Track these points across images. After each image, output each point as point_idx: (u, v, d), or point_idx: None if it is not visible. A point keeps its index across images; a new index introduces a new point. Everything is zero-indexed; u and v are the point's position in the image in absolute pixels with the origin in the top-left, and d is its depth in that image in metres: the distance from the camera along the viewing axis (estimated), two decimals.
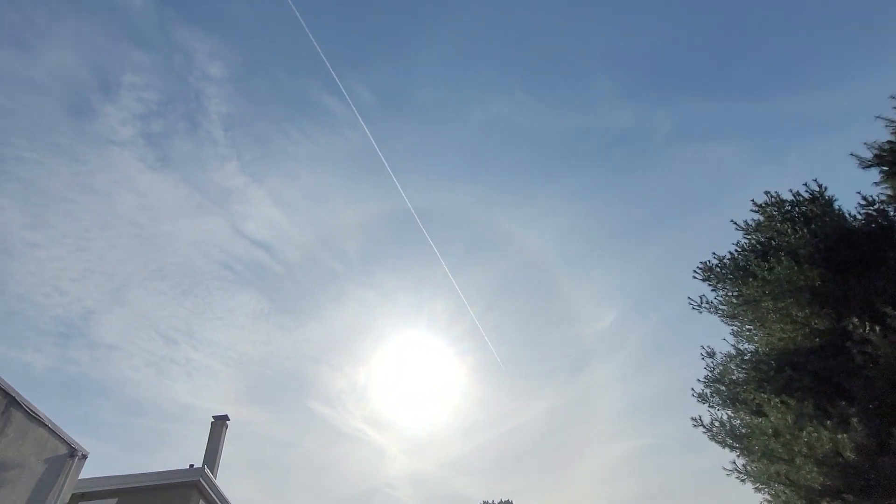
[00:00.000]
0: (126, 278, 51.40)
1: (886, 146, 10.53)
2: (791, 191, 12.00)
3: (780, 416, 10.89)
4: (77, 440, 13.12)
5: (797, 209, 11.72)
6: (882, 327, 8.67)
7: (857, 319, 8.78)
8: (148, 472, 17.75)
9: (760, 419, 12.02)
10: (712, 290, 12.93)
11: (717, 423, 12.80)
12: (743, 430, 12.65)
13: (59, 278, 45.55)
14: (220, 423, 22.11)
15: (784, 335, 11.59)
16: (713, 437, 12.64)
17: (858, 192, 11.08)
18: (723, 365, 13.22)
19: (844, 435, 9.44)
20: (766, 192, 12.30)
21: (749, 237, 12.36)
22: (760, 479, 11.97)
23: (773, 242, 11.90)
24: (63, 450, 12.64)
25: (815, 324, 11.13)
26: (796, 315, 11.17)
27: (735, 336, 13.35)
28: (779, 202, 12.12)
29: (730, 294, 12.62)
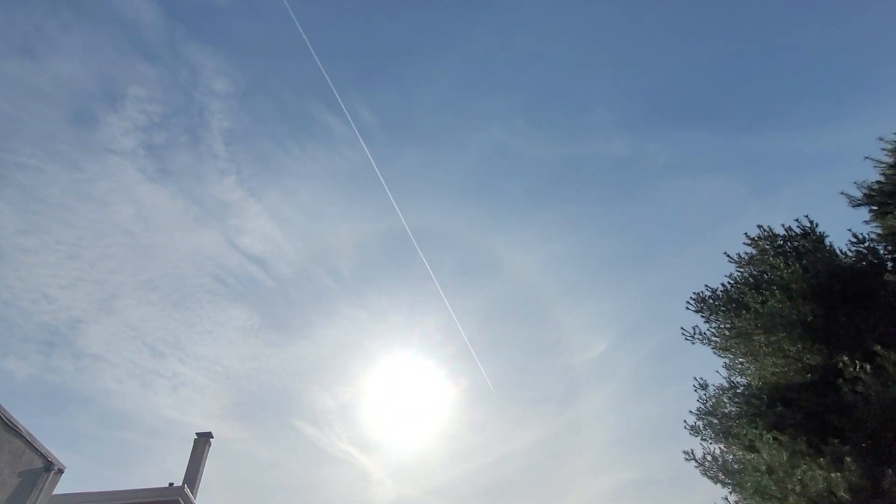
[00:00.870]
0: (116, 288, 50.94)
1: (875, 186, 10.76)
2: (783, 226, 12.18)
3: (773, 452, 10.75)
4: (55, 453, 12.75)
5: (789, 244, 11.86)
6: (873, 366, 8.67)
7: (847, 358, 8.77)
8: (125, 489, 17.20)
9: (753, 455, 11.86)
10: (705, 322, 12.95)
11: (709, 458, 12.60)
12: (735, 466, 12.45)
13: (49, 285, 45.09)
14: (203, 440, 21.55)
15: (776, 369, 11.56)
16: (705, 472, 12.43)
17: (849, 230, 11.27)
18: (715, 398, 13.11)
19: (838, 474, 9.31)
20: (759, 226, 12.48)
21: (742, 270, 12.46)
22: None
23: (765, 276, 11.99)
24: (39, 463, 12.27)
25: (807, 359, 11.12)
26: (788, 349, 11.16)
27: (728, 369, 13.30)
28: (771, 236, 12.28)
29: (722, 326, 12.63)
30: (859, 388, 8.80)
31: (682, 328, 13.42)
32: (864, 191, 10.96)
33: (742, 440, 12.19)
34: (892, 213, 10.10)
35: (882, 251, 10.79)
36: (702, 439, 13.06)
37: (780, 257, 11.69)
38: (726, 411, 12.83)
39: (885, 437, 9.00)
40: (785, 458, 9.83)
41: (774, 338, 11.12)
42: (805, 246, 11.35)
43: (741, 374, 13.04)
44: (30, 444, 11.91)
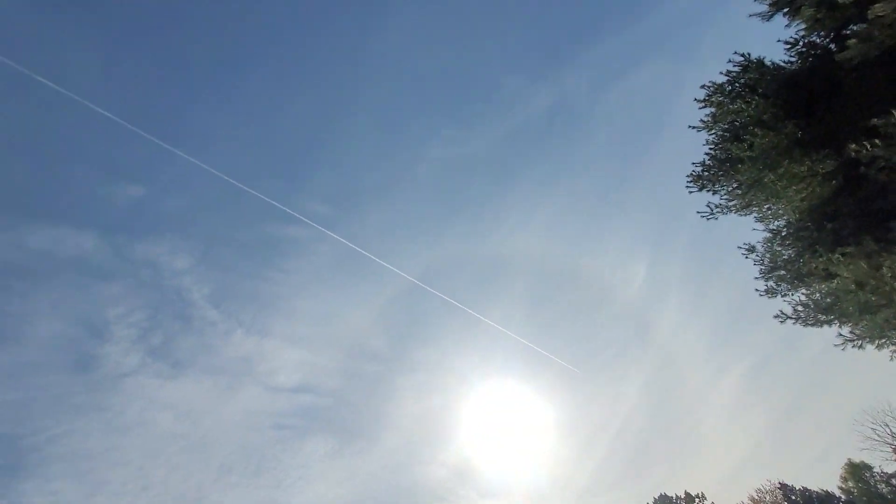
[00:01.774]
0: (198, 491, 50.27)
1: None
2: (722, 73, 12.22)
3: (851, 267, 10.45)
4: None
5: (738, 84, 11.87)
6: (880, 138, 8.55)
7: (853, 145, 8.65)
8: None
9: (835, 280, 11.51)
10: (713, 194, 12.79)
11: (800, 308, 12.23)
12: (828, 300, 12.07)
13: None
14: None
15: (802, 195, 11.36)
16: (805, 323, 12.04)
17: (779, 41, 11.30)
18: (768, 252, 12.83)
19: None
20: (704, 86, 12.51)
21: (713, 132, 12.41)
22: (874, 336, 11.26)
23: (736, 124, 11.95)
24: None
25: (822, 168, 10.95)
26: (800, 171, 11.01)
27: (760, 221, 13.05)
28: (719, 88, 12.29)
29: (730, 188, 12.48)
30: (882, 164, 8.64)
31: (697, 211, 13.27)
32: (769, 1, 11.07)
33: (817, 273, 11.87)
34: (803, 4, 10.18)
35: (818, 40, 10.81)
36: (781, 296, 12.71)
37: (738, 100, 11.68)
38: (785, 258, 12.55)
39: None
40: (865, 267, 9.54)
41: (781, 169, 10.98)
42: (752, 77, 11.37)
43: (775, 218, 12.80)
44: None
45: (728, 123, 12.16)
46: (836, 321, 11.73)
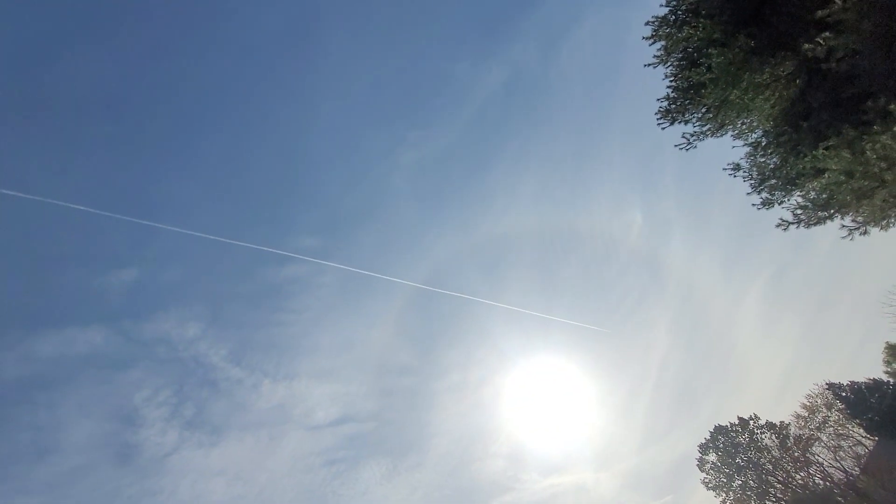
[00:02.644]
0: None
1: None
2: (662, 4, 12.20)
3: (836, 159, 10.46)
4: None
5: (680, 12, 11.86)
6: (830, 29, 8.55)
7: (807, 45, 8.65)
8: None
9: (825, 174, 11.53)
10: (685, 124, 12.81)
11: (798, 211, 12.25)
12: (823, 196, 12.08)
13: None
14: None
15: (771, 101, 11.37)
16: (807, 224, 12.05)
17: None
18: (754, 166, 12.85)
19: None
20: (648, 22, 12.51)
21: (668, 64, 12.43)
22: (876, 218, 11.29)
23: (689, 50, 11.95)
24: None
25: (783, 71, 10.96)
26: (762, 79, 11.02)
27: (738, 138, 13.07)
28: (663, 20, 12.28)
29: (699, 115, 12.50)
30: (840, 54, 8.64)
31: (675, 145, 13.29)
32: None
33: (806, 173, 11.89)
34: None
35: None
36: (778, 204, 12.74)
37: (685, 27, 11.68)
38: (772, 167, 12.57)
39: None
40: (850, 156, 9.57)
41: (743, 83, 10.99)
42: (692, 1, 11.37)
43: (751, 131, 12.81)
44: None
45: (681, 52, 12.17)
46: (836, 214, 11.76)
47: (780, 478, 32.84)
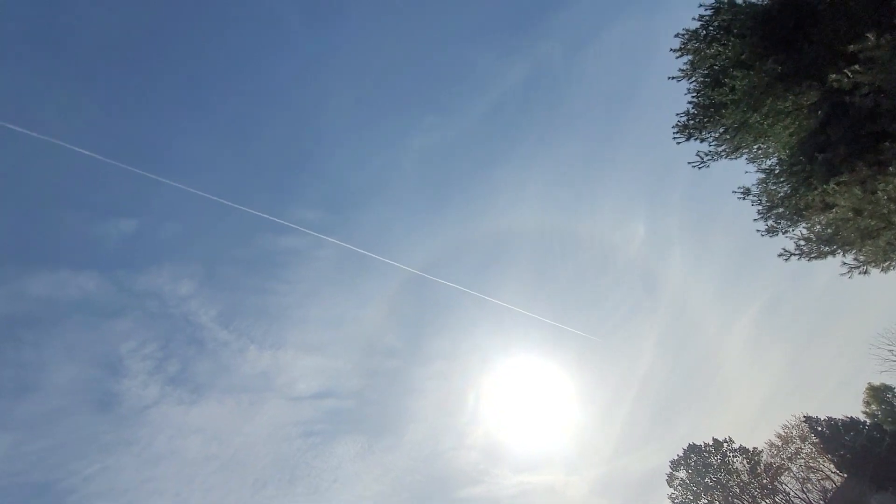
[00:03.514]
0: None
1: None
2: (695, 18, 12.03)
3: (846, 195, 10.44)
4: None
5: (712, 28, 11.71)
6: (860, 63, 8.46)
7: (834, 75, 8.57)
8: None
9: (833, 209, 11.50)
10: (700, 142, 12.73)
11: (802, 243, 12.24)
12: (828, 231, 12.07)
13: None
14: None
15: (790, 130, 11.30)
16: (809, 256, 12.07)
17: None
18: (764, 192, 12.81)
19: None
20: (678, 35, 12.34)
21: (693, 80, 12.30)
22: (878, 259, 11.31)
23: (715, 68, 11.83)
24: None
25: (806, 100, 10.87)
26: (784, 106, 10.93)
27: (752, 162, 13.02)
28: (694, 34, 12.13)
29: (717, 134, 12.42)
30: (866, 90, 8.57)
31: (688, 162, 13.22)
32: None
33: (815, 206, 11.85)
34: None
35: None
36: (783, 233, 12.73)
37: (714, 43, 11.54)
38: (781, 195, 12.53)
39: None
40: (861, 193, 9.54)
41: (765, 108, 10.90)
42: (725, 19, 11.22)
43: (766, 157, 12.76)
44: None
45: (707, 69, 12.04)
46: (839, 250, 11.76)
47: (745, 502, 33.34)
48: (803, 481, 33.06)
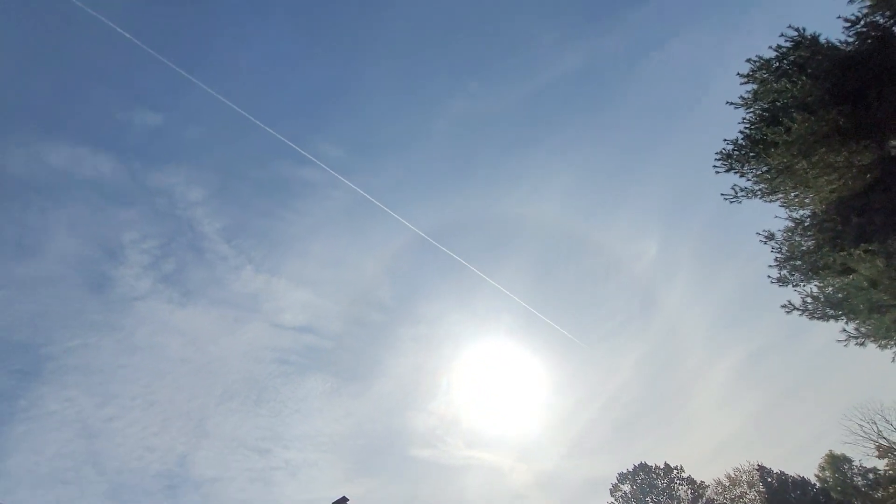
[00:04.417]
0: (201, 412, 53.57)
1: None
2: (771, 47, 11.48)
3: (869, 265, 10.28)
4: None
5: (786, 62, 11.20)
6: None
7: (894, 141, 8.25)
8: None
9: (851, 276, 11.36)
10: (740, 176, 12.41)
11: (808, 300, 12.16)
12: (839, 296, 11.96)
13: (144, 438, 47.94)
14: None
15: (833, 186, 10.98)
16: (811, 316, 12.01)
17: (839, 17, 10.51)
18: (787, 241, 12.60)
19: None
20: (749, 60, 11.82)
21: (751, 110, 11.86)
22: (879, 335, 11.24)
23: (777, 104, 11.39)
24: None
25: (859, 161, 10.52)
26: (835, 161, 10.59)
27: (785, 208, 12.72)
28: (765, 64, 11.61)
29: (759, 171, 12.08)
30: None
31: (721, 194, 12.94)
32: None
33: (833, 268, 11.69)
34: None
35: (882, 20, 10.04)
36: (793, 286, 12.61)
37: (784, 79, 11.06)
38: (804, 249, 12.33)
39: None
40: (882, 266, 9.38)
41: (816, 157, 10.57)
42: (802, 55, 10.71)
43: (801, 207, 12.45)
44: None
45: (769, 103, 11.60)
46: (843, 317, 11.69)
47: None
48: None
